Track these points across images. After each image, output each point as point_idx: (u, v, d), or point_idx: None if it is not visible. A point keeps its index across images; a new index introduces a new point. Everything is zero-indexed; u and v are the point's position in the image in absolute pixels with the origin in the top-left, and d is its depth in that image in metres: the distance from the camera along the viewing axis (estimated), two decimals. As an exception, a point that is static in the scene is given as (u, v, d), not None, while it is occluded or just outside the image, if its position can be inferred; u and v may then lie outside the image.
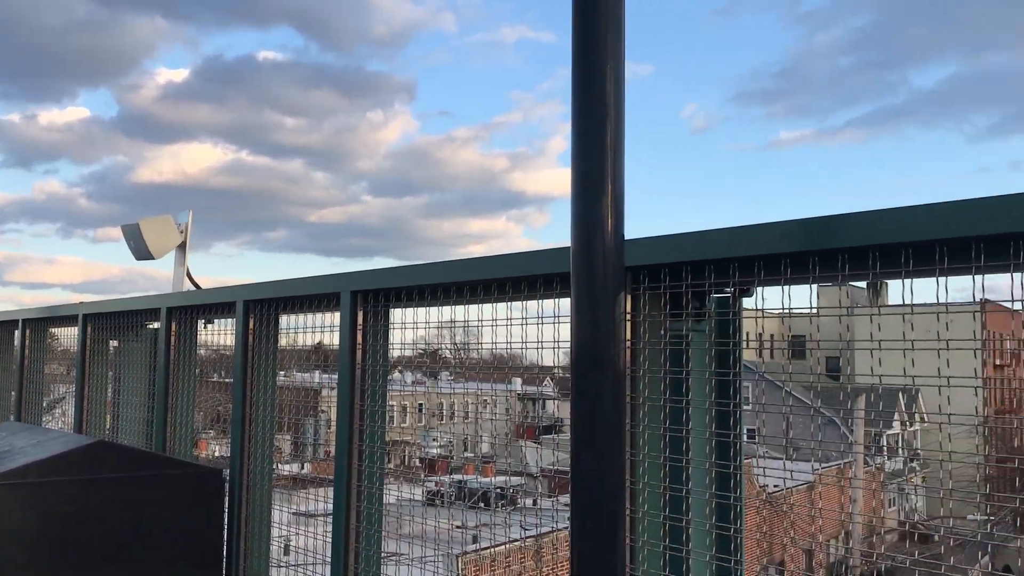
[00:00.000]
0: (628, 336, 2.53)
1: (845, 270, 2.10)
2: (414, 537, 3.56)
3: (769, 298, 2.36)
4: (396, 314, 3.62)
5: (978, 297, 1.97)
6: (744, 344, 2.48)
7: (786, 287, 2.25)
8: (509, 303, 3.01)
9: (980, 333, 2.37)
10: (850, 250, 2.08)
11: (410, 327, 3.59)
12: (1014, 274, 1.88)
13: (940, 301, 1.97)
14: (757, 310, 2.46)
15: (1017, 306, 1.88)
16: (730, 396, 2.43)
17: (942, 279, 1.95)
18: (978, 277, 1.91)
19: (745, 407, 2.45)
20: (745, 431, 2.45)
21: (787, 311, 2.29)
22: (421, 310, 3.44)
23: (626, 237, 2.00)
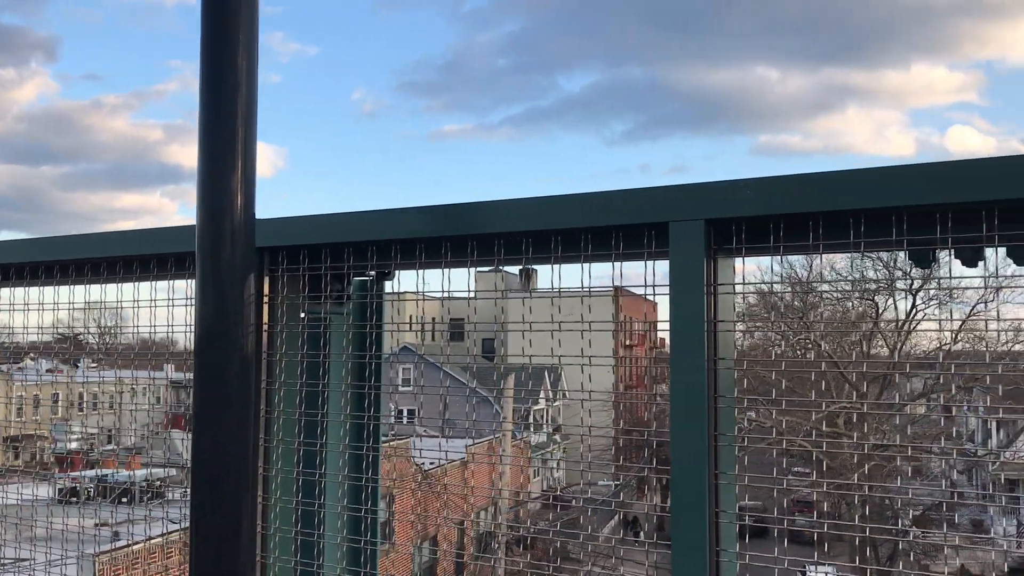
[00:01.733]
0: (265, 319, 2.45)
1: (501, 255, 2.18)
2: (47, 540, 3.20)
3: (430, 282, 2.37)
4: (21, 293, 3.22)
5: (618, 283, 2.12)
6: (395, 328, 2.50)
7: (421, 271, 2.30)
8: (154, 283, 2.80)
9: (617, 316, 2.58)
10: (506, 235, 2.16)
11: (35, 309, 3.20)
12: (647, 262, 2.04)
13: (583, 287, 2.10)
14: (413, 294, 2.48)
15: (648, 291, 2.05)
16: (365, 379, 2.44)
17: (586, 265, 2.08)
18: (617, 264, 2.05)
19: (406, 388, 2.47)
20: (405, 412, 2.47)
21: (446, 295, 2.32)
22: (63, 290, 3.08)
23: (271, 217, 1.92)
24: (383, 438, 2.50)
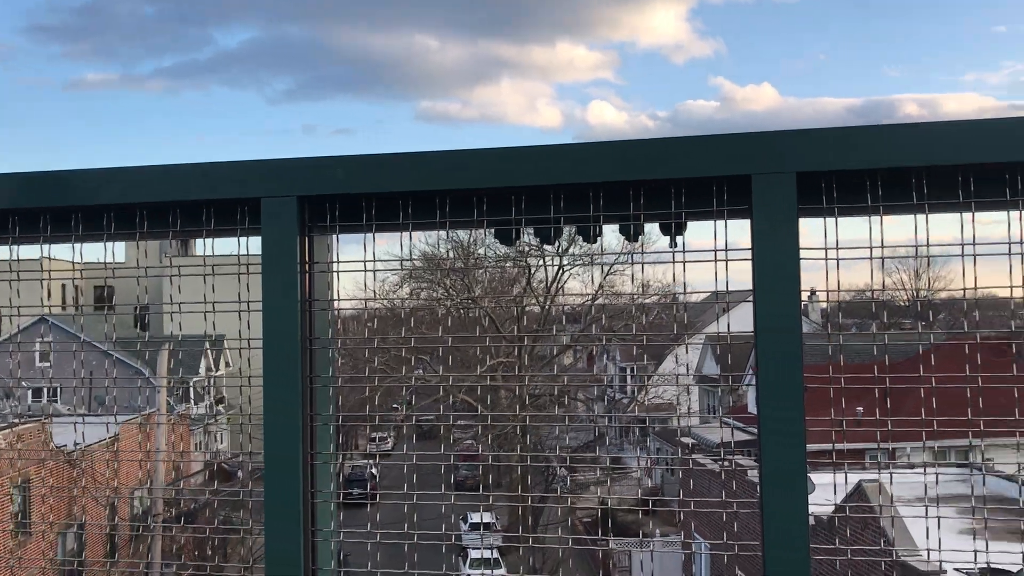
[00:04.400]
0: None
1: (112, 228, 1.99)
2: None
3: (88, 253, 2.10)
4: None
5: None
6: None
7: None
8: None
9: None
10: (115, 207, 1.96)
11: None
12: (240, 238, 1.94)
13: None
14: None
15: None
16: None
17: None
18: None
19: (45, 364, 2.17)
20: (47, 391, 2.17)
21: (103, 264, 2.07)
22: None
23: None
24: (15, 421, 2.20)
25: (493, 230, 1.89)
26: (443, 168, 1.75)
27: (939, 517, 1.77)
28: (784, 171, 1.64)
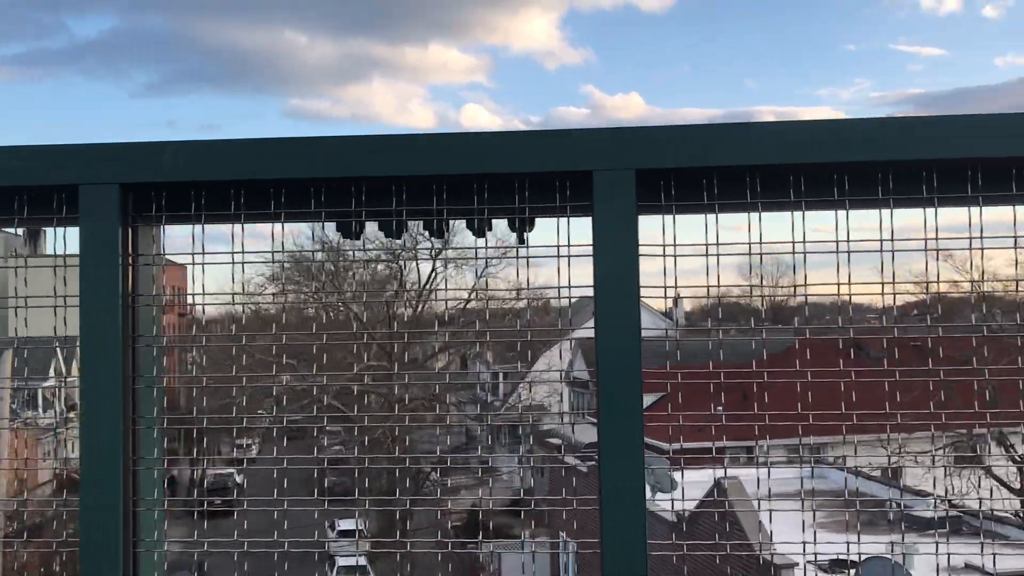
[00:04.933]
0: None
1: None
2: None
3: None
4: None
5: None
6: None
7: None
8: None
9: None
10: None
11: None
12: (56, 228, 1.80)
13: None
14: None
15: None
16: None
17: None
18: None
19: None
20: None
21: None
22: None
23: None
24: None
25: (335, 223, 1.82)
26: (275, 156, 1.67)
27: (808, 510, 1.81)
28: (624, 168, 1.64)
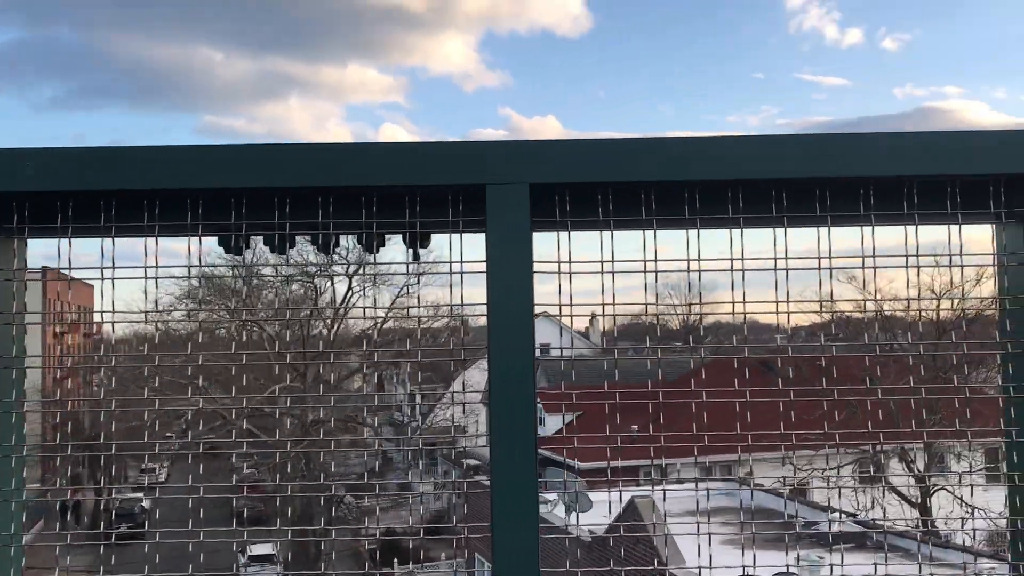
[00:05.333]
0: None
1: None
2: None
3: None
4: None
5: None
6: None
7: None
8: None
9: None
10: None
11: None
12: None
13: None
14: None
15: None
16: None
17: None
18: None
19: None
20: None
21: None
22: None
23: None
24: None
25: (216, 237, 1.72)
26: (147, 165, 1.57)
27: (709, 533, 1.77)
28: (518, 182, 1.59)
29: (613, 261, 1.65)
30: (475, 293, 1.68)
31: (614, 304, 1.66)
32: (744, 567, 1.78)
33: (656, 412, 1.92)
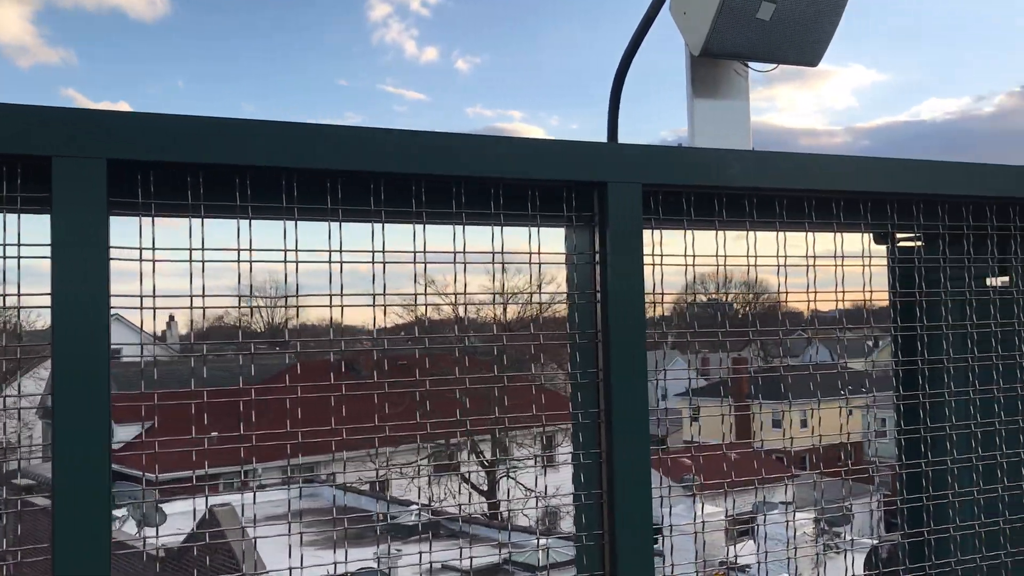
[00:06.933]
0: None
1: None
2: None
3: None
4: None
5: None
6: None
7: None
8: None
9: None
10: None
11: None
12: None
13: None
14: None
15: None
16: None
17: None
18: None
19: None
20: None
21: None
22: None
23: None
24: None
25: None
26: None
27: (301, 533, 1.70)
28: (93, 156, 1.41)
29: (203, 249, 1.53)
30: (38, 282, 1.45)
31: (203, 296, 1.54)
32: (336, 563, 1.76)
33: (247, 412, 1.82)
